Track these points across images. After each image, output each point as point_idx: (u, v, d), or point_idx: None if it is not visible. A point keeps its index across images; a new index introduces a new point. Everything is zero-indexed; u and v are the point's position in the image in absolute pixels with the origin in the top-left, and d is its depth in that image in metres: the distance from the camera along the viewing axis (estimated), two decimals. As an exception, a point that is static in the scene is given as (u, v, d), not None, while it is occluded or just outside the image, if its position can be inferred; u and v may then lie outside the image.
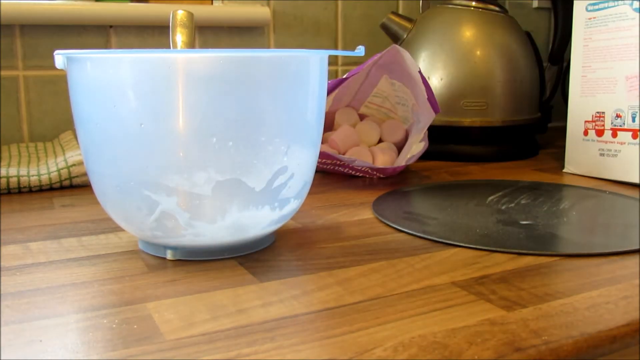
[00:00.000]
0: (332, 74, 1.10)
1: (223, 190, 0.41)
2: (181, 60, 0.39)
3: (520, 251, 0.46)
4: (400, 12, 1.14)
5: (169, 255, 0.45)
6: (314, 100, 0.44)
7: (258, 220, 0.44)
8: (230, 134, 0.40)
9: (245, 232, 0.44)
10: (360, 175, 0.74)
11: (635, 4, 0.69)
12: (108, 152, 0.42)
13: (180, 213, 0.41)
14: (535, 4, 1.30)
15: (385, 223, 0.54)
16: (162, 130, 0.40)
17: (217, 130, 0.40)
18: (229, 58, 0.39)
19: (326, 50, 0.41)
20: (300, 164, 0.44)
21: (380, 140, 0.80)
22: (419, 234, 0.50)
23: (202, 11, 0.95)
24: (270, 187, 0.42)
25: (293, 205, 0.46)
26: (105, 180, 0.43)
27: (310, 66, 0.43)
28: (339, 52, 0.45)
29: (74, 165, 0.69)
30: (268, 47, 1.04)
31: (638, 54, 0.69)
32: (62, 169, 0.69)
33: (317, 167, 0.68)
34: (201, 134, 0.40)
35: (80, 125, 0.43)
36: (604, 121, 0.73)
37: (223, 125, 0.40)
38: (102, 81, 0.40)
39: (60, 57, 0.42)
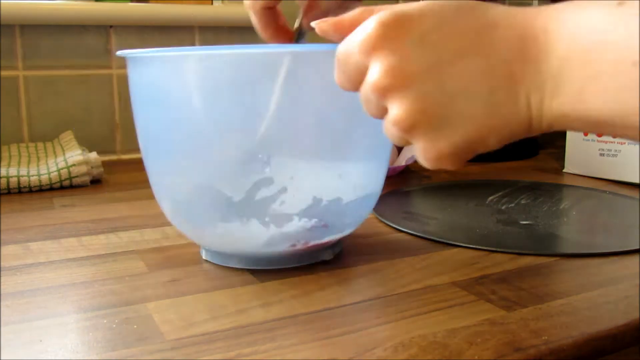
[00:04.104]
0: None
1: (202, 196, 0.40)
2: (202, 57, 0.38)
3: (520, 251, 0.46)
4: (400, 12, 1.13)
5: (204, 255, 0.45)
6: (301, 106, 0.38)
7: (251, 235, 0.40)
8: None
9: (247, 246, 0.42)
10: (360, 175, 0.74)
11: (635, 4, 0.69)
12: (150, 149, 0.43)
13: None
14: (535, 4, 1.30)
15: (385, 223, 0.54)
16: (189, 130, 0.39)
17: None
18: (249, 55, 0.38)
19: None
20: (295, 178, 0.39)
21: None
22: (419, 234, 0.50)
23: (202, 11, 0.95)
24: (251, 199, 0.39)
25: (300, 224, 0.40)
26: (153, 178, 0.44)
27: (277, 65, 0.37)
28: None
29: (74, 165, 0.69)
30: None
31: (638, 54, 0.69)
32: (62, 169, 0.69)
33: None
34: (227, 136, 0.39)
35: (135, 121, 0.43)
36: (604, 121, 0.73)
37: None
38: (137, 80, 0.41)
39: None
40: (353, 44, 0.31)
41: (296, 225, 0.40)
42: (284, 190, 0.39)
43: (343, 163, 0.41)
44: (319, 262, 0.44)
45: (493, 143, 0.30)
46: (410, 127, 0.29)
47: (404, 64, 0.29)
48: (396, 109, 0.30)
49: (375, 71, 0.30)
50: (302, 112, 0.38)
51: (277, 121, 0.37)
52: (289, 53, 0.37)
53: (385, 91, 0.30)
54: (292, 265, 0.43)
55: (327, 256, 0.45)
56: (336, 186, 0.41)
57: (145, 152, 0.43)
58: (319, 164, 0.40)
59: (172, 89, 0.39)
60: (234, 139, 0.38)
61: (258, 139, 0.37)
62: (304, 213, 0.40)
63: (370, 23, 0.30)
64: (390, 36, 0.30)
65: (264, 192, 0.39)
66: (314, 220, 0.40)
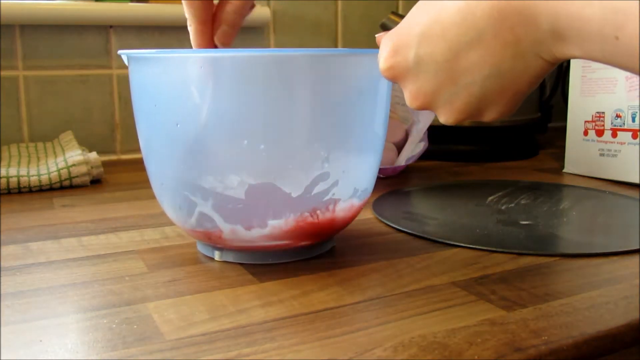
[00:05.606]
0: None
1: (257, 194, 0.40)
2: (211, 59, 0.38)
3: (520, 251, 0.46)
4: (400, 12, 1.14)
5: (216, 256, 0.45)
6: (358, 102, 0.42)
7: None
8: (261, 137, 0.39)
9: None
10: (360, 175, 0.74)
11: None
12: (153, 150, 0.42)
13: (217, 216, 0.41)
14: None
15: (385, 223, 0.54)
16: (196, 130, 0.39)
17: (248, 133, 0.39)
18: (260, 58, 0.38)
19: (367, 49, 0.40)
20: (345, 172, 0.42)
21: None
22: (419, 234, 0.50)
23: (202, 11, 0.95)
24: (309, 194, 0.41)
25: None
26: (153, 178, 0.44)
27: (353, 66, 0.41)
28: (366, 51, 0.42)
29: (74, 165, 0.69)
30: (268, 47, 1.04)
31: (638, 54, 0.69)
32: (62, 169, 0.69)
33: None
34: (232, 136, 0.39)
35: (137, 122, 0.44)
36: (604, 121, 0.73)
37: (253, 128, 0.39)
38: (143, 80, 0.41)
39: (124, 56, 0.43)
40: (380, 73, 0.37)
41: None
42: (336, 183, 0.41)
43: (373, 156, 0.45)
44: (318, 262, 0.44)
45: (526, 93, 0.33)
46: (458, 122, 0.35)
47: (418, 86, 0.35)
48: (440, 117, 0.36)
49: (406, 96, 0.36)
50: (353, 110, 0.41)
51: (336, 119, 0.41)
52: (303, 56, 0.39)
53: (421, 109, 0.36)
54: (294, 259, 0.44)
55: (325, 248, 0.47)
56: (367, 177, 0.45)
57: (147, 153, 0.43)
58: (361, 158, 0.43)
59: (170, 90, 0.39)
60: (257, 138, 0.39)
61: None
62: (344, 201, 0.43)
63: (379, 59, 0.36)
64: (395, 67, 0.35)
65: (320, 187, 0.41)
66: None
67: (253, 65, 0.38)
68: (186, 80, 0.39)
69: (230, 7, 0.46)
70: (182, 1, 0.46)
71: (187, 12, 0.46)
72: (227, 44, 0.47)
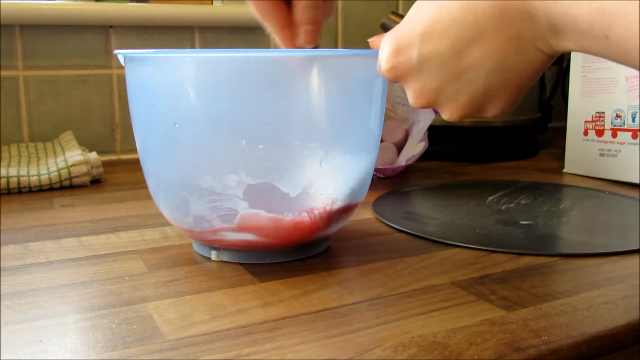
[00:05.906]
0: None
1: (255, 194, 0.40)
2: (209, 60, 0.38)
3: (520, 251, 0.46)
4: (400, 12, 1.14)
5: (213, 256, 0.45)
6: (355, 102, 0.42)
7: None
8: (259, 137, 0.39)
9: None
10: (360, 175, 0.74)
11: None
12: (150, 150, 0.42)
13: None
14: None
15: (385, 223, 0.54)
16: (194, 130, 0.39)
17: (246, 133, 0.39)
18: (259, 58, 0.38)
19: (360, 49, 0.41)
20: (342, 172, 0.42)
21: (380, 140, 0.80)
22: (419, 234, 0.50)
23: (202, 11, 0.95)
24: (307, 194, 0.41)
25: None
26: (150, 178, 0.44)
27: (351, 66, 0.41)
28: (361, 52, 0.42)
29: (74, 165, 0.69)
30: (268, 47, 1.04)
31: (638, 54, 0.69)
32: (62, 169, 0.69)
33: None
34: (230, 136, 0.39)
35: (133, 122, 0.44)
36: (604, 121, 0.73)
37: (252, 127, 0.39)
38: (141, 81, 0.41)
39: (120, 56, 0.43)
40: (381, 74, 0.38)
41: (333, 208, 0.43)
42: (333, 183, 0.41)
43: (370, 155, 0.45)
44: (318, 261, 0.44)
45: (527, 86, 0.34)
46: (462, 118, 0.36)
47: (422, 84, 0.35)
48: (444, 114, 0.36)
49: (409, 95, 0.36)
50: (350, 110, 0.42)
51: (334, 119, 0.41)
52: (306, 58, 0.39)
53: (425, 107, 0.36)
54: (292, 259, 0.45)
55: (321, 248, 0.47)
56: (363, 177, 0.44)
57: (144, 153, 0.43)
58: (358, 157, 0.43)
59: (169, 90, 0.39)
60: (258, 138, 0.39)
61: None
62: (341, 201, 0.43)
63: (380, 60, 0.37)
64: (398, 67, 0.36)
65: (318, 186, 0.41)
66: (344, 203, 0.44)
67: (251, 66, 0.38)
68: (184, 81, 0.39)
69: (301, 5, 0.45)
70: (257, 14, 0.45)
71: (264, 23, 0.46)
72: (313, 41, 0.46)
